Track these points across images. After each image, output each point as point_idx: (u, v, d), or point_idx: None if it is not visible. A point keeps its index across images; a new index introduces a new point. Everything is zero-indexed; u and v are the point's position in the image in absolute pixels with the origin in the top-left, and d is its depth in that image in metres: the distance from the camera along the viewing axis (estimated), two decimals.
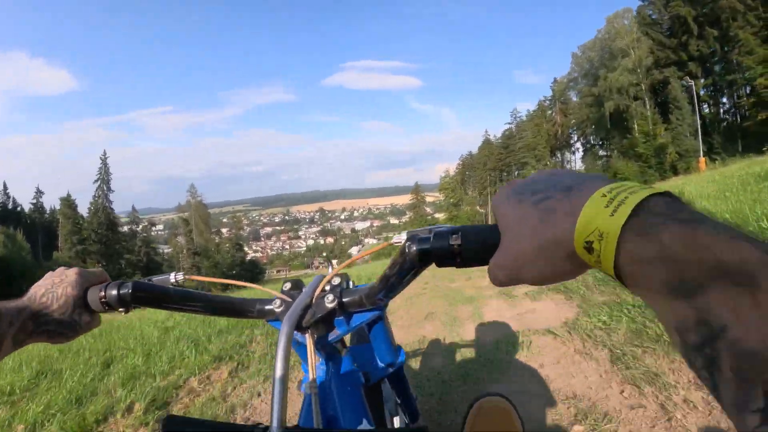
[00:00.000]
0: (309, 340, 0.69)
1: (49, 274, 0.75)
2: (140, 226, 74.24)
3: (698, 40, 40.53)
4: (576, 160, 65.17)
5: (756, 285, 0.25)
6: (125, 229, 66.57)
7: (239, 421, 2.56)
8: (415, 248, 0.52)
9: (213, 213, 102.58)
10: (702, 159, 29.73)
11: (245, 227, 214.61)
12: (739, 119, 37.49)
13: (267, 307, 0.74)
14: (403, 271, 0.58)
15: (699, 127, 33.86)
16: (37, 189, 64.44)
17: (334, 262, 0.91)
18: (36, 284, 0.72)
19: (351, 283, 0.76)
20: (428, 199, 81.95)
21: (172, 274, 0.79)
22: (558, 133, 64.13)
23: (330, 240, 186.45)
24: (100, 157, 61.11)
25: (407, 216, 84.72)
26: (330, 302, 0.69)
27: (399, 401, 1.19)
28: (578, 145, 63.90)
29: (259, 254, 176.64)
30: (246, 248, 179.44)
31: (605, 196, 0.33)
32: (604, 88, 47.57)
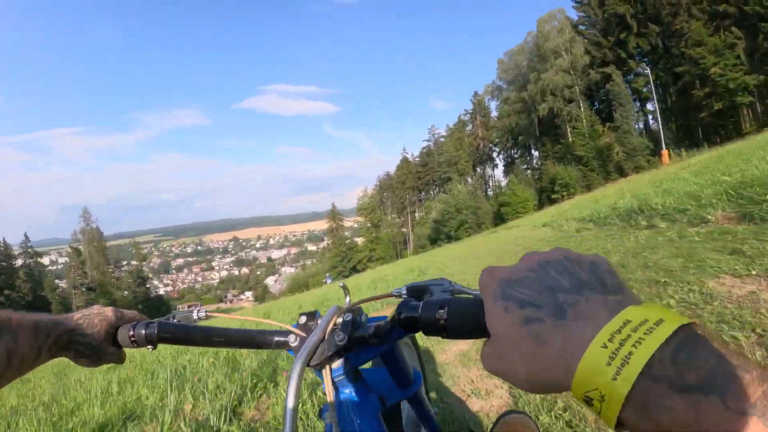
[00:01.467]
0: (325, 374, 0.72)
1: (87, 308, 0.80)
2: (34, 259, 66.74)
3: (638, 38, 40.96)
4: (497, 175, 65.18)
5: None
6: (19, 262, 59.63)
7: None
8: (403, 315, 0.57)
9: (123, 244, 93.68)
10: (665, 151, 29.11)
11: (156, 258, 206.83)
12: (691, 112, 37.40)
13: (283, 340, 0.77)
14: (396, 332, 0.64)
15: (659, 117, 33.47)
16: None
17: (344, 285, 0.95)
18: (71, 313, 0.77)
19: (364, 316, 0.78)
20: (347, 223, 78.72)
21: (195, 311, 0.86)
22: (480, 147, 63.66)
23: (245, 270, 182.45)
24: None
25: (325, 242, 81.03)
26: (340, 340, 0.70)
27: (419, 420, 1.19)
28: (499, 159, 63.94)
29: (169, 288, 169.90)
30: (156, 282, 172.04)
31: (606, 347, 0.30)
32: (535, 92, 47.13)
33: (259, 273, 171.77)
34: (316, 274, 71.82)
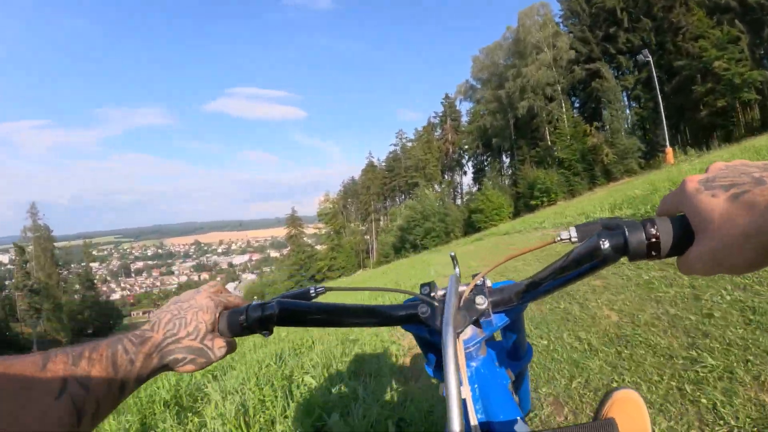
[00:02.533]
0: (459, 344, 0.67)
1: (175, 298, 0.70)
2: None
3: (627, 33, 38.08)
4: (467, 182, 60.84)
5: None
6: None
7: None
8: (608, 243, 0.51)
9: (80, 245, 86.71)
10: (669, 149, 25.26)
11: (115, 261, 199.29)
12: (689, 111, 33.96)
13: (411, 313, 0.72)
14: (586, 268, 0.56)
15: (662, 111, 29.53)
16: None
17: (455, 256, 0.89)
18: (159, 310, 0.67)
19: (488, 281, 0.74)
20: (309, 230, 73.27)
21: (312, 288, 0.78)
22: (449, 152, 59.43)
23: (205, 275, 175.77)
24: None
25: (288, 248, 75.44)
26: (481, 304, 0.67)
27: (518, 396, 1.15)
28: (468, 166, 59.64)
29: (126, 293, 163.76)
30: (114, 285, 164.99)
31: None
32: (513, 89, 42.83)
33: (219, 279, 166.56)
34: (273, 283, 66.36)
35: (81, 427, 0.50)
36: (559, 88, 41.75)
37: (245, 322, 0.66)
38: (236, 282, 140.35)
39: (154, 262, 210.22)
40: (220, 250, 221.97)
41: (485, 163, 55.52)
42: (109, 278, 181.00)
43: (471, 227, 39.31)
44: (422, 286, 0.74)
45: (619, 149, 35.20)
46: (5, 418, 0.42)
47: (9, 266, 53.07)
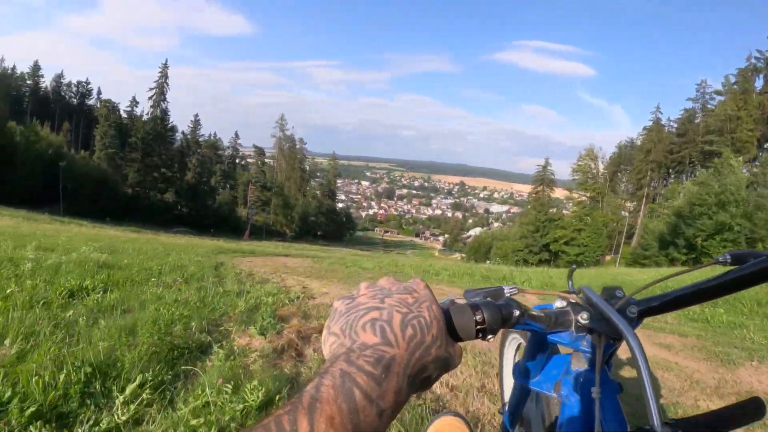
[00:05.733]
0: (598, 350, 0.73)
1: (366, 285, 0.54)
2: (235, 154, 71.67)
3: None
4: None
5: None
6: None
7: None
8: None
9: (356, 165, 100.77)
10: None
11: (384, 184, 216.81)
12: None
13: (571, 318, 0.73)
14: (744, 282, 0.61)
15: None
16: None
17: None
18: (370, 308, 0.47)
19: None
20: (554, 194, 61.14)
21: (506, 288, 0.70)
22: None
23: (458, 215, 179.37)
24: (159, 67, 56.98)
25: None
26: (632, 312, 0.70)
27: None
28: None
29: (382, 211, 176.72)
30: (373, 203, 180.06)
31: None
32: None
33: (470, 222, 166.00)
34: (504, 238, 58.04)
35: None
36: None
37: (482, 324, 0.54)
38: (483, 228, 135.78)
39: (418, 192, 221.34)
40: (482, 195, 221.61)
41: None
42: (373, 196, 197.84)
43: None
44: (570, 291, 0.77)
45: None
46: None
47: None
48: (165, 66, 55.37)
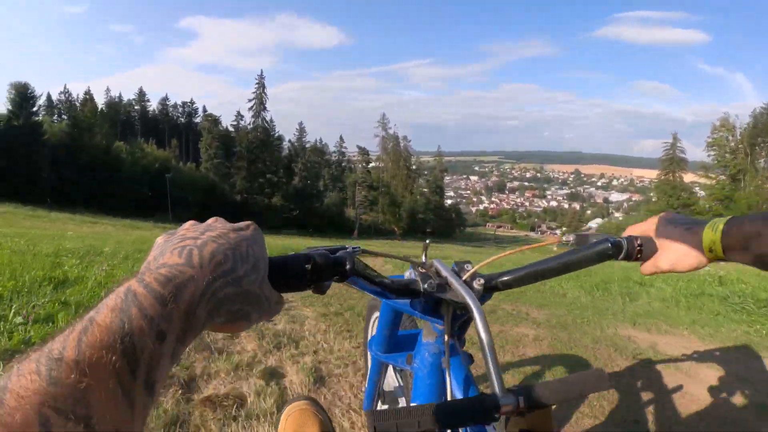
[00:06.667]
0: (447, 318, 0.78)
1: (212, 224, 0.49)
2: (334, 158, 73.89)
3: None
4: None
5: None
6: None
7: None
8: (610, 244, 0.71)
9: (464, 161, 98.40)
10: None
11: (494, 177, 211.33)
12: None
13: (414, 288, 0.74)
14: (589, 260, 0.73)
15: None
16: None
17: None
18: (186, 237, 0.44)
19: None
20: (686, 177, 54.40)
21: (349, 247, 0.65)
22: None
23: (575, 206, 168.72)
24: (256, 78, 58.69)
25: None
26: (480, 285, 0.74)
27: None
28: None
29: (493, 205, 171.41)
30: (483, 198, 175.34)
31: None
32: None
33: (588, 212, 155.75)
34: (624, 227, 52.74)
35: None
36: None
37: (316, 270, 0.53)
38: (604, 219, 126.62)
39: (530, 184, 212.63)
40: (599, 183, 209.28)
41: None
42: (483, 191, 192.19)
43: None
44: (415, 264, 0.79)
45: None
46: None
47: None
48: (261, 77, 57.49)
